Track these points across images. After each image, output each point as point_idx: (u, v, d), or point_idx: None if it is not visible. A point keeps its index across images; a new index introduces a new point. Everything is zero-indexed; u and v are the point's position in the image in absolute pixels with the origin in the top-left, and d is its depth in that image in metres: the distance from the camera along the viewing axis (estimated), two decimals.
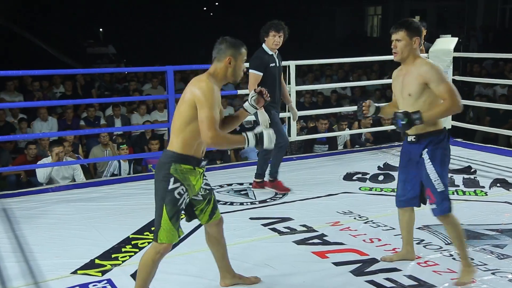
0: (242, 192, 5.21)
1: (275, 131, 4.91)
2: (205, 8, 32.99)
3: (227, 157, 7.20)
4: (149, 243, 3.93)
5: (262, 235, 4.10)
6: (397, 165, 5.92)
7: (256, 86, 4.72)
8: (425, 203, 3.36)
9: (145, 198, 5.05)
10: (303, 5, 26.18)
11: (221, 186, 5.37)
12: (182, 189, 2.81)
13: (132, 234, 4.11)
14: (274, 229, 4.20)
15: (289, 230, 4.17)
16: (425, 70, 3.08)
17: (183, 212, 2.93)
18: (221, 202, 4.89)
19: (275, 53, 4.98)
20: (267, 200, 4.94)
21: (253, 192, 5.18)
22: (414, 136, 3.19)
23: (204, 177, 2.99)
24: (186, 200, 2.86)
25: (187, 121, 2.79)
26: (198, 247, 3.69)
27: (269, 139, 2.87)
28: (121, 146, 6.95)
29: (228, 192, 5.22)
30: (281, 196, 5.05)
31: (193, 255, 3.73)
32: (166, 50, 21.52)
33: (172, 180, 2.79)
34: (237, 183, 5.47)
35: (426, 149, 3.17)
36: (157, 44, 23.64)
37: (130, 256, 3.71)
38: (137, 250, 3.82)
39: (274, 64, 4.93)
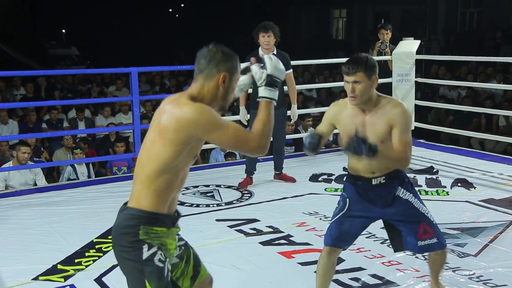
0: (208, 194, 5.18)
1: None
2: (170, 10, 32.77)
3: None
4: None
5: (228, 236, 4.09)
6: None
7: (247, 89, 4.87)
8: (402, 249, 2.95)
9: (109, 201, 4.98)
10: (269, 7, 26.30)
11: (187, 188, 5.33)
12: (161, 254, 2.00)
13: (96, 238, 4.04)
14: (240, 231, 4.19)
15: (255, 232, 4.17)
16: (397, 113, 2.66)
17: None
18: (186, 204, 4.86)
19: (269, 54, 4.95)
20: (234, 202, 4.94)
21: (219, 194, 5.17)
22: (383, 178, 2.77)
23: (177, 234, 2.17)
24: (169, 268, 2.06)
25: (164, 167, 1.98)
26: None
27: (278, 70, 2.13)
28: (74, 151, 6.78)
29: (194, 194, 5.19)
30: (248, 197, 5.05)
31: None
32: (131, 51, 21.27)
33: (145, 247, 1.98)
34: (204, 185, 5.45)
35: (400, 187, 2.81)
36: (121, 45, 23.35)
37: (94, 261, 3.65)
38: (101, 254, 3.75)
39: (262, 64, 4.91)
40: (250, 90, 5.08)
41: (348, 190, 2.90)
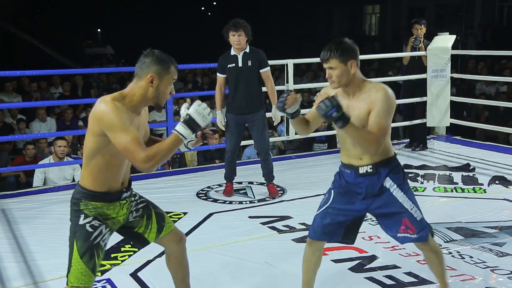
0: (241, 191, 5.20)
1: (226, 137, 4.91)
2: (203, 8, 32.99)
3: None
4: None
5: (261, 233, 4.10)
6: (414, 163, 5.94)
7: (220, 88, 4.87)
8: (352, 243, 2.92)
9: (145, 196, 5.04)
10: (301, 5, 26.20)
11: (219, 185, 5.37)
12: (96, 222, 2.39)
13: None
14: (273, 228, 4.20)
15: (288, 229, 4.17)
16: (378, 97, 2.61)
17: (130, 243, 2.57)
18: (220, 201, 4.89)
19: (240, 53, 4.78)
20: (266, 199, 4.94)
21: (252, 191, 5.18)
22: (370, 167, 2.70)
23: (133, 199, 2.57)
24: (104, 234, 2.42)
25: (91, 153, 2.34)
26: None
27: (199, 114, 2.29)
28: None
29: None
30: (280, 194, 5.05)
31: None
32: (164, 49, 21.51)
33: (82, 216, 2.38)
34: (237, 182, 5.46)
35: (388, 178, 2.72)
36: (155, 44, 23.65)
37: (130, 256, 3.71)
38: (136, 249, 3.81)
39: (233, 64, 4.78)
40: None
41: (335, 182, 2.86)
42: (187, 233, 4.09)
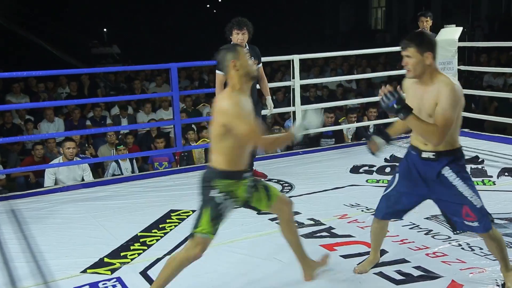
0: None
1: None
2: (208, 5, 32.98)
3: None
4: (157, 240, 3.95)
5: (269, 229, 4.10)
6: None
7: (222, 86, 4.79)
8: (455, 230, 3.26)
9: (152, 195, 5.08)
10: (307, 0, 26.13)
11: None
12: (224, 197, 2.86)
13: (140, 232, 4.13)
14: None
15: (296, 224, 4.15)
16: (444, 91, 2.74)
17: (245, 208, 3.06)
18: None
19: None
20: None
21: None
22: (433, 153, 2.87)
23: (252, 179, 2.99)
24: (228, 206, 2.90)
25: (219, 138, 2.82)
26: None
27: (312, 124, 2.90)
28: (118, 147, 6.95)
29: None
30: (288, 190, 5.05)
31: None
32: (170, 47, 21.54)
33: (213, 190, 2.86)
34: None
35: (448, 167, 2.87)
36: (161, 42, 23.66)
37: (139, 254, 3.73)
38: (145, 247, 3.83)
39: None
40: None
41: (400, 165, 3.08)
42: None
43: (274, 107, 5.44)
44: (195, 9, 28.85)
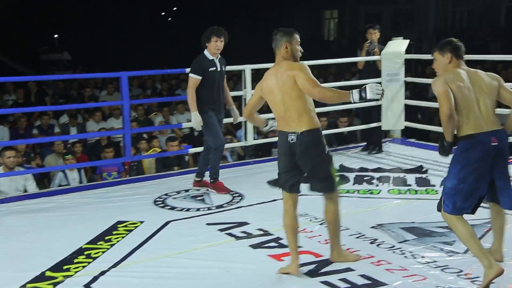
0: (199, 198, 5.18)
1: (211, 133, 5.11)
2: (163, 13, 32.76)
3: (184, 163, 7.15)
4: (103, 252, 3.87)
5: (218, 240, 4.09)
6: (352, 167, 6.05)
7: (195, 89, 5.00)
8: (497, 201, 3.35)
9: (99, 206, 4.98)
10: (263, 9, 26.35)
11: (178, 192, 5.33)
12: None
13: (85, 244, 4.03)
14: (230, 234, 4.19)
15: (245, 235, 4.17)
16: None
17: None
18: (177, 209, 4.87)
19: (216, 58, 5.12)
20: (224, 205, 4.93)
21: (210, 198, 5.16)
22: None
23: None
24: None
25: (301, 98, 3.34)
26: None
27: (371, 90, 3.19)
28: (65, 157, 6.77)
29: (184, 198, 5.19)
30: (238, 200, 5.05)
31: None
32: (123, 56, 21.23)
33: (326, 146, 3.43)
34: (195, 189, 5.44)
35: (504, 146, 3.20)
36: (114, 50, 23.30)
37: (83, 267, 3.64)
38: (90, 260, 3.74)
39: (214, 68, 5.09)
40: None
41: (470, 163, 3.19)
42: (143, 242, 4.05)
43: (226, 117, 5.50)
44: (150, 17, 28.62)
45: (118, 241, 4.10)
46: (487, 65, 11.60)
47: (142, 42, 24.76)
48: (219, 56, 5.15)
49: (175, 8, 32.26)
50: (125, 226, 4.42)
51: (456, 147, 3.28)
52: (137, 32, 26.42)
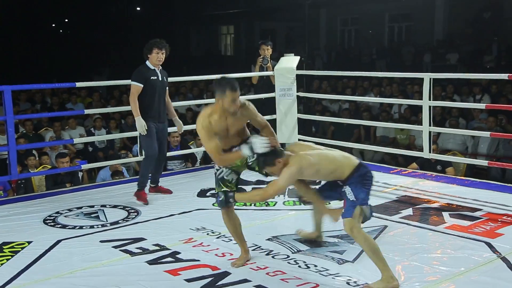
0: (93, 215, 5.01)
1: (145, 142, 5.27)
2: (54, 25, 31.36)
3: (77, 179, 6.88)
4: None
5: (113, 257, 3.98)
6: (249, 179, 6.17)
7: (137, 97, 5.19)
8: None
9: None
10: (158, 23, 26.06)
11: (69, 210, 5.12)
12: (225, 170, 3.77)
13: None
14: (125, 251, 4.10)
15: (141, 250, 4.10)
16: None
17: None
18: (69, 227, 4.68)
19: (158, 68, 5.29)
20: (119, 221, 4.81)
21: (105, 214, 5.01)
22: None
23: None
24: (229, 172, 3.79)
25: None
26: None
27: (259, 146, 3.47)
28: None
29: (77, 216, 5.00)
30: (134, 216, 4.95)
31: None
32: (11, 69, 20.04)
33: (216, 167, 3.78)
34: (88, 206, 5.26)
35: None
36: (2, 63, 21.93)
37: None
38: None
39: (155, 77, 5.27)
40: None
41: None
42: (31, 264, 3.84)
43: (122, 131, 5.50)
44: (39, 28, 27.26)
45: (2, 264, 3.86)
46: (373, 81, 12.38)
47: (30, 54, 23.51)
48: (161, 67, 5.30)
49: (66, 20, 31.05)
50: (11, 247, 4.17)
51: None
52: (26, 44, 25.07)
